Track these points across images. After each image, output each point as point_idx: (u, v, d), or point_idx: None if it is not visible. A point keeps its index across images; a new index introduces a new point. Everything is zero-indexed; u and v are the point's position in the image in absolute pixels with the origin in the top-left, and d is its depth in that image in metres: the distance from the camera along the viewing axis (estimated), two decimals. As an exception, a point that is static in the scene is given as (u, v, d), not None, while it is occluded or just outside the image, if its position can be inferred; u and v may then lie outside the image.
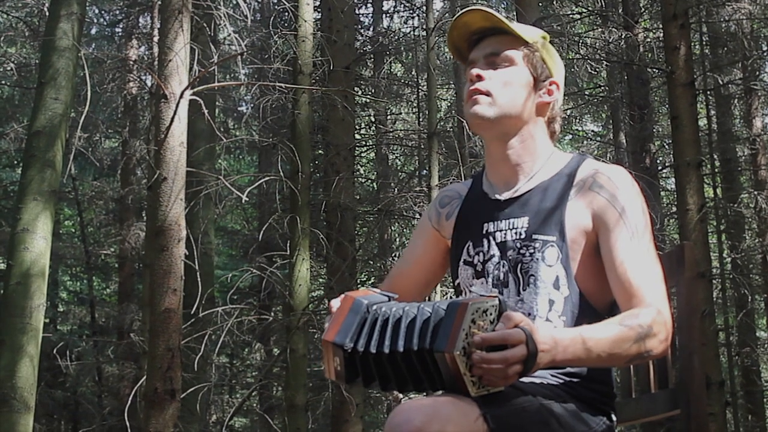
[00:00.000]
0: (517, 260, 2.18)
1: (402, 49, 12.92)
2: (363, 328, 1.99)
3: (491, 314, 1.91)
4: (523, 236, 2.19)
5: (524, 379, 2.02)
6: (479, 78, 2.24)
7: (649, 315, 2.04)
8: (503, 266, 2.20)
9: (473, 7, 2.25)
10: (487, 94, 2.23)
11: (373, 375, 1.98)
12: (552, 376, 2.13)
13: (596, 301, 2.18)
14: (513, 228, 2.22)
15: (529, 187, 2.25)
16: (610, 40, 11.46)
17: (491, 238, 2.24)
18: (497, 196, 2.28)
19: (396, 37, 13.00)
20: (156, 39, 11.89)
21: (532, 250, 2.17)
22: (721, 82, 12.37)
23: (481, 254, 2.25)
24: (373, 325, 1.98)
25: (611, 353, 1.99)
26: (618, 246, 2.12)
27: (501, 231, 2.23)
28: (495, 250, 2.23)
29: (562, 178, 2.23)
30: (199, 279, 6.26)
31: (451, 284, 2.40)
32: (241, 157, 16.48)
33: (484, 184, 2.35)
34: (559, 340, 1.94)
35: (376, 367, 1.97)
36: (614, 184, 2.18)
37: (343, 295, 2.05)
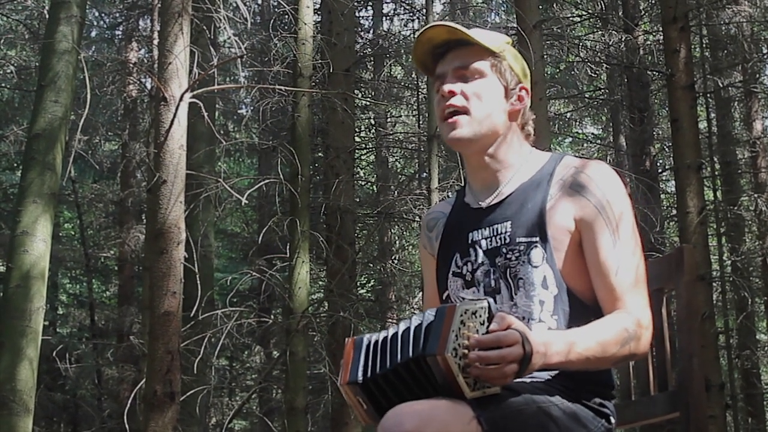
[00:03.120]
0: (506, 265, 2.18)
1: (402, 51, 12.91)
2: (368, 357, 2.01)
3: (481, 316, 1.91)
4: (507, 241, 2.19)
5: (521, 381, 2.02)
6: (452, 94, 2.23)
7: (633, 318, 2.09)
8: (494, 273, 2.20)
9: (436, 23, 2.25)
10: (462, 111, 2.22)
11: (392, 399, 1.98)
12: (549, 377, 2.13)
13: (586, 297, 2.18)
14: (497, 234, 2.22)
15: (510, 190, 2.25)
16: (610, 43, 11.47)
17: (477, 246, 2.24)
18: (480, 204, 2.28)
19: (396, 40, 13.00)
20: (156, 42, 11.90)
21: (517, 254, 2.17)
22: (721, 85, 12.36)
23: (469, 264, 2.25)
24: (375, 350, 2.01)
25: (599, 356, 2.04)
26: (602, 248, 2.14)
27: (486, 238, 2.23)
28: (483, 258, 2.22)
29: (541, 178, 2.23)
30: (198, 282, 6.25)
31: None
32: (240, 159, 16.47)
33: (467, 196, 2.35)
34: (550, 342, 1.97)
35: (390, 389, 1.98)
36: (596, 183, 2.18)
37: (347, 340, 2.08)
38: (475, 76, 2.24)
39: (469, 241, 2.25)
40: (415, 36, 2.27)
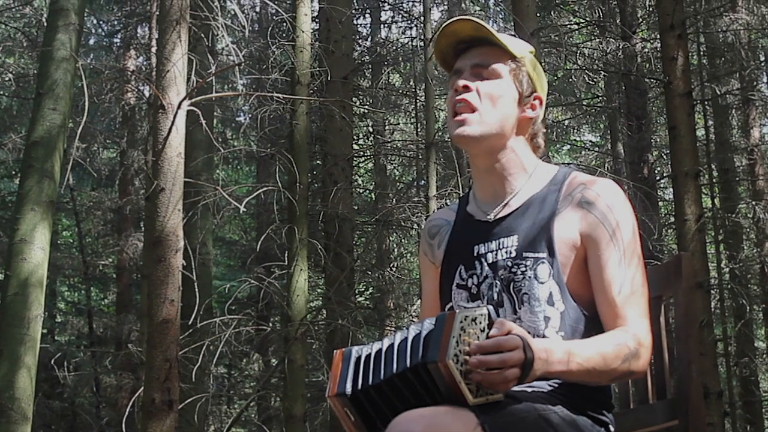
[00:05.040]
0: (509, 279, 2.18)
1: (400, 59, 12.94)
2: (358, 369, 2.01)
3: (481, 323, 1.91)
4: (513, 255, 2.19)
5: (522, 389, 2.03)
6: (466, 88, 2.23)
7: (634, 337, 2.09)
8: (496, 286, 2.20)
9: (463, 17, 2.24)
10: (473, 109, 2.22)
11: (383, 411, 1.97)
12: (549, 385, 2.13)
13: (590, 312, 2.18)
14: (503, 247, 2.21)
15: (516, 204, 2.25)
16: (608, 51, 11.48)
17: (483, 259, 2.24)
18: (486, 216, 2.27)
19: (394, 48, 13.04)
20: (154, 49, 11.90)
21: (523, 269, 2.17)
22: (718, 92, 12.38)
23: (474, 277, 2.25)
24: (367, 361, 2.00)
25: (599, 369, 2.03)
26: (607, 266, 2.14)
27: (491, 252, 2.23)
28: (487, 271, 2.22)
29: (549, 193, 2.23)
30: (197, 289, 6.24)
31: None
32: (239, 167, 16.48)
33: (470, 206, 2.34)
34: (552, 350, 1.97)
35: (381, 400, 1.97)
36: (603, 200, 2.18)
37: (335, 353, 2.07)
38: (491, 77, 2.24)
39: (475, 254, 2.25)
40: (441, 27, 2.23)
